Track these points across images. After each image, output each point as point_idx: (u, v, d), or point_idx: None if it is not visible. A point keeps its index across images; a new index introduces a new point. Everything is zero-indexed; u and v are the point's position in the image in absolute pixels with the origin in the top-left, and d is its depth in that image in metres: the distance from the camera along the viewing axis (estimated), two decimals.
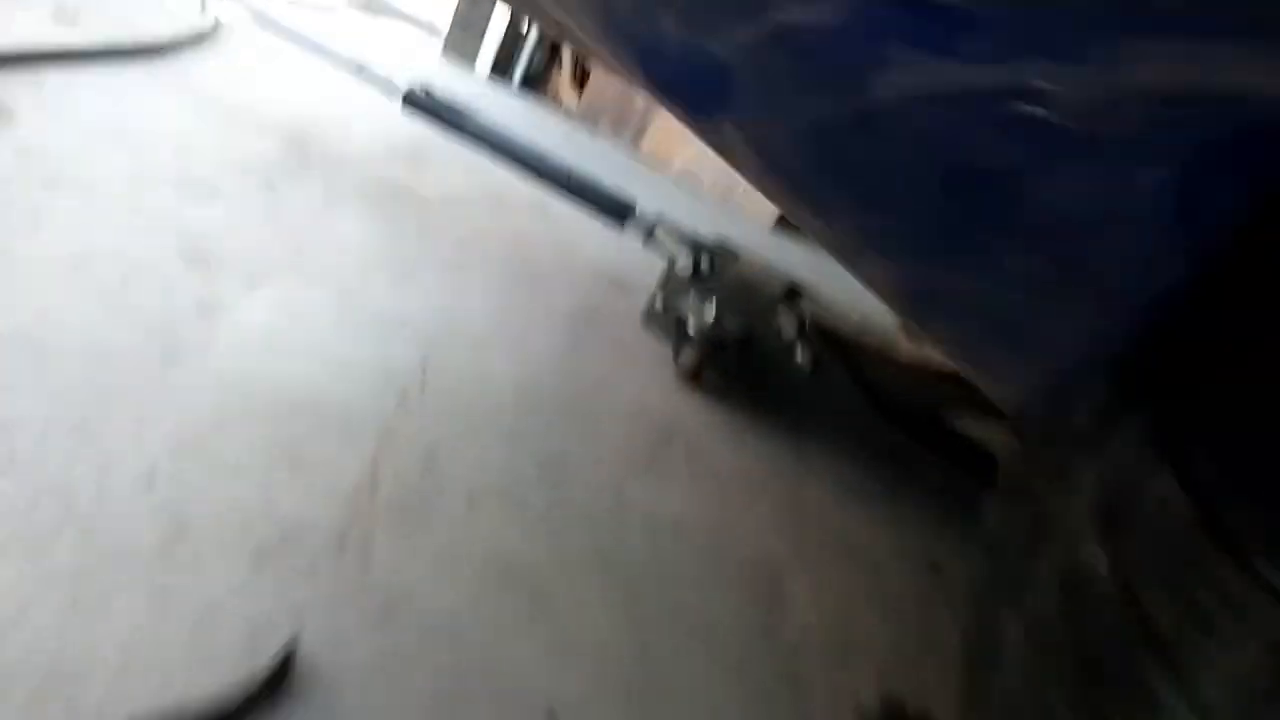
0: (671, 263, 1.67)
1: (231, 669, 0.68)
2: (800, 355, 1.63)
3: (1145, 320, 0.24)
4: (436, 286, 1.50)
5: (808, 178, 0.30)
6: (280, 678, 0.69)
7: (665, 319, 1.68)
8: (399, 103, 1.84)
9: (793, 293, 1.63)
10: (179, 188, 1.40)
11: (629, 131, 3.42)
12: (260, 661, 0.69)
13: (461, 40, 3.40)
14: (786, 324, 1.65)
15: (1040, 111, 0.23)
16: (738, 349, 1.65)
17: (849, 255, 0.31)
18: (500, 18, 3.32)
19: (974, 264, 0.26)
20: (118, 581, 0.72)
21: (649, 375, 1.58)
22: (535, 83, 3.58)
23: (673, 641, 0.96)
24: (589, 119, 3.44)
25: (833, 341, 1.66)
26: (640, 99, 3.19)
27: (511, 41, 3.43)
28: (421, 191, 1.89)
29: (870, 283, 0.31)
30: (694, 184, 3.21)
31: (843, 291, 1.57)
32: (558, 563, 1.00)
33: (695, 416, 1.52)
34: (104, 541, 0.75)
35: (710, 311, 1.59)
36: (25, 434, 0.82)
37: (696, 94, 0.31)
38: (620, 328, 1.69)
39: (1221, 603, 0.30)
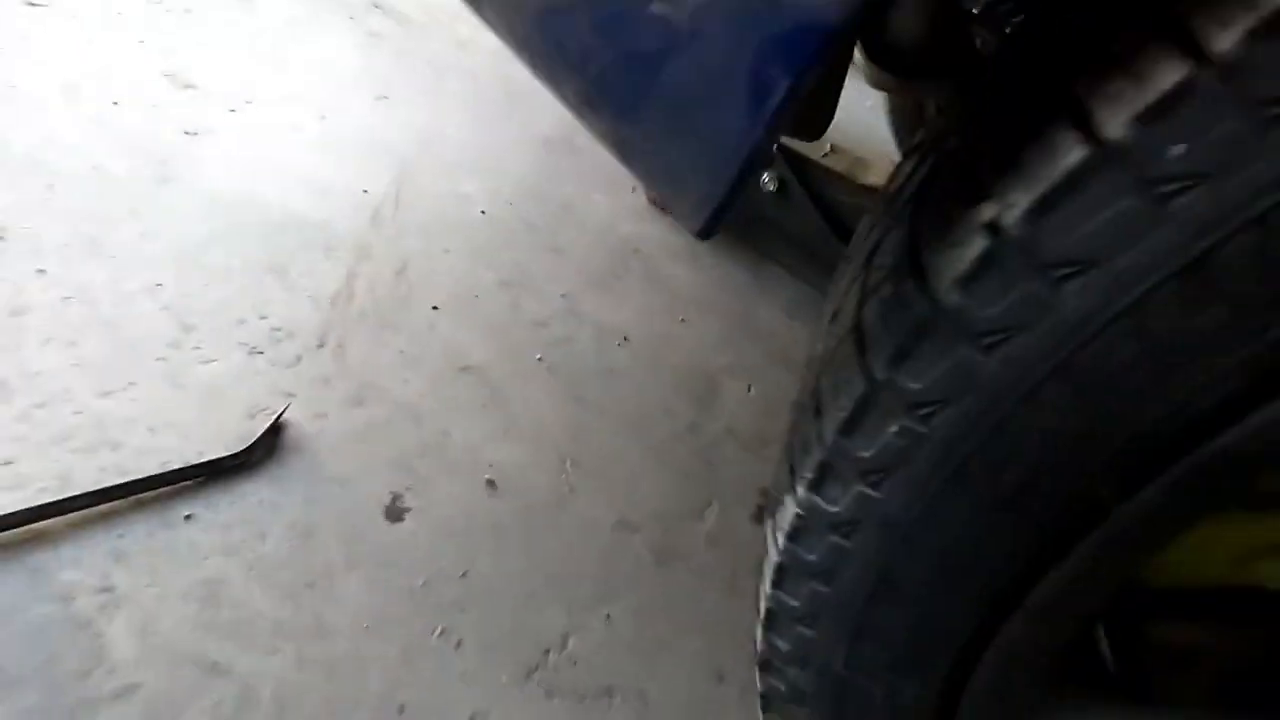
0: None
1: (234, 435, 0.88)
2: (765, 178, 1.71)
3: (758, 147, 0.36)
4: (413, 106, 1.58)
5: (533, 53, 0.42)
6: (272, 442, 0.89)
7: None
8: None
9: None
10: (155, 4, 1.45)
11: None
12: (256, 429, 0.89)
13: None
14: None
15: (665, 7, 0.35)
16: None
17: (573, 109, 0.42)
18: None
19: (638, 117, 0.39)
20: (139, 368, 0.91)
21: (618, 199, 1.68)
22: None
23: (605, 430, 1.15)
24: None
25: (798, 164, 1.73)
26: None
27: None
28: (400, 4, 1.89)
29: (593, 135, 0.43)
30: None
31: None
32: (510, 362, 1.17)
33: (658, 238, 1.64)
34: (124, 337, 0.93)
35: None
36: (50, 249, 0.98)
37: None
38: (594, 150, 1.77)
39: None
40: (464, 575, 0.89)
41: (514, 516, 0.98)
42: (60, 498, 0.75)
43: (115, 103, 1.22)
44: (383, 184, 1.33)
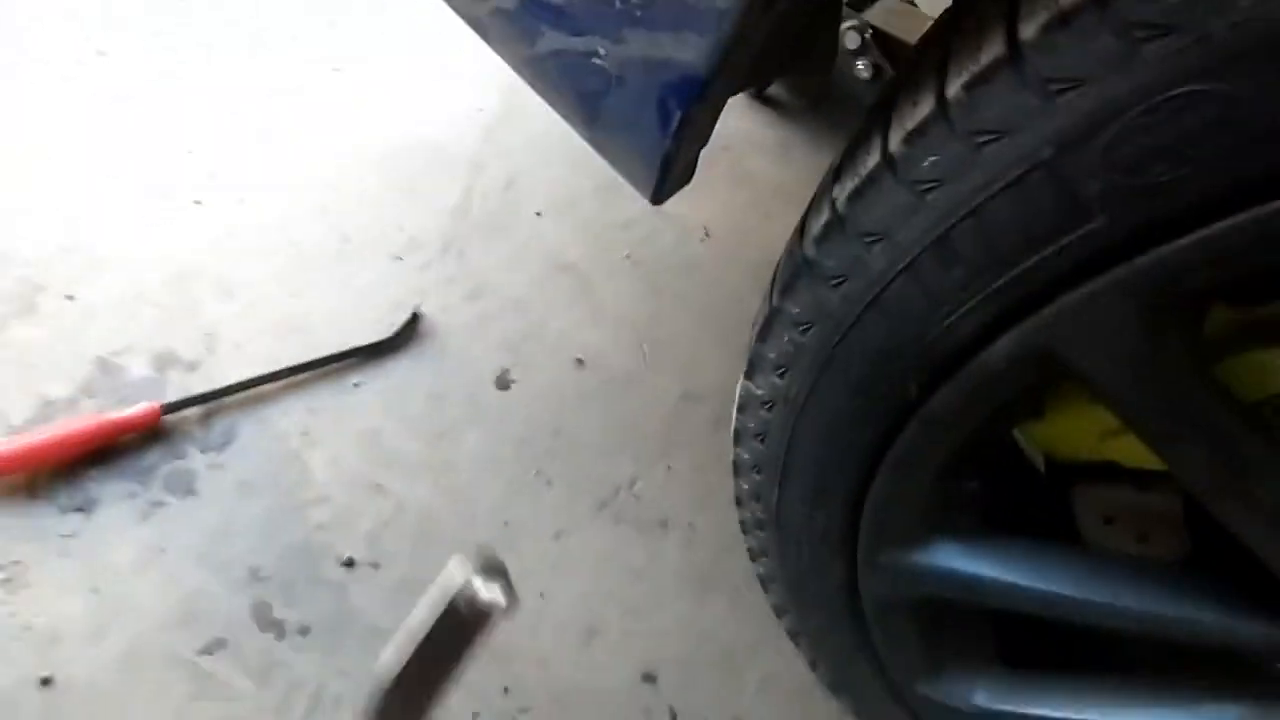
0: None
1: (384, 324, 1.17)
2: (860, 65, 1.74)
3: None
4: None
5: (527, 79, 0.61)
6: (411, 331, 1.17)
7: None
8: None
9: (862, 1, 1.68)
10: None
11: None
12: (400, 320, 1.17)
13: None
14: (851, 34, 1.74)
15: (601, 62, 0.52)
16: (800, 60, 1.77)
17: (559, 114, 0.60)
18: None
19: (596, 128, 0.57)
20: (316, 274, 1.20)
21: None
22: None
23: (680, 316, 1.35)
24: None
25: (894, 52, 1.73)
26: None
27: None
28: None
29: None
30: None
31: None
32: (600, 260, 1.38)
33: (749, 133, 1.75)
34: (303, 250, 1.22)
35: None
36: (250, 184, 1.28)
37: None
38: None
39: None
40: (555, 432, 1.15)
41: (597, 388, 1.22)
42: (273, 369, 1.07)
43: (263, 44, 1.48)
44: (493, 106, 1.53)
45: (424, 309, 1.20)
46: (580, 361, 1.24)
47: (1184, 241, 0.40)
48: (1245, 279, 0.43)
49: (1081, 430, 0.66)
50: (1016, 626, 0.74)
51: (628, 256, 1.41)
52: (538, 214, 1.41)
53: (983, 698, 0.74)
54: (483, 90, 1.55)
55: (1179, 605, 0.59)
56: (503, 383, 1.18)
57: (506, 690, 0.90)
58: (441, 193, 1.37)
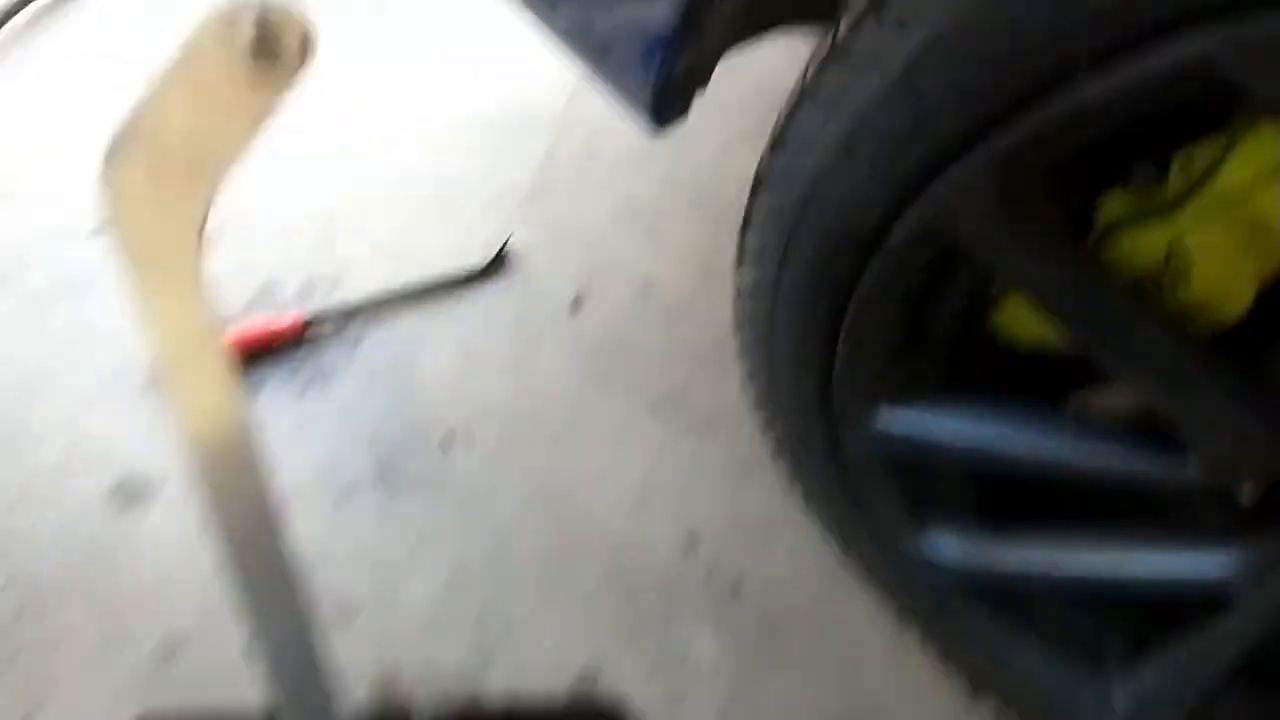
0: None
1: (479, 257, 1.40)
2: None
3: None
4: None
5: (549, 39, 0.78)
6: (501, 262, 1.41)
7: None
8: None
9: None
10: None
11: None
12: (491, 254, 1.40)
13: None
14: None
15: (604, 28, 0.70)
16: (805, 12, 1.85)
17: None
18: None
19: (604, 73, 0.75)
20: (429, 215, 1.45)
21: (780, 56, 1.90)
22: None
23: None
24: None
25: None
26: None
27: None
28: None
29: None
30: None
31: None
32: (668, 201, 1.56)
33: None
34: (417, 197, 1.47)
35: None
36: (373, 138, 1.54)
37: None
38: None
39: None
40: (619, 346, 1.35)
41: (659, 310, 1.41)
42: (391, 292, 1.33)
43: (382, 33, 1.73)
44: (578, 73, 1.72)
45: (511, 245, 1.43)
46: (645, 290, 1.43)
47: (999, 137, 0.54)
48: (1070, 161, 0.56)
49: (1026, 316, 0.78)
50: (999, 486, 0.85)
51: (693, 200, 1.58)
52: (613, 165, 1.60)
53: (961, 551, 0.88)
54: (568, 60, 1.75)
55: (1091, 452, 0.72)
56: (576, 307, 1.40)
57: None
58: (531, 149, 1.58)
